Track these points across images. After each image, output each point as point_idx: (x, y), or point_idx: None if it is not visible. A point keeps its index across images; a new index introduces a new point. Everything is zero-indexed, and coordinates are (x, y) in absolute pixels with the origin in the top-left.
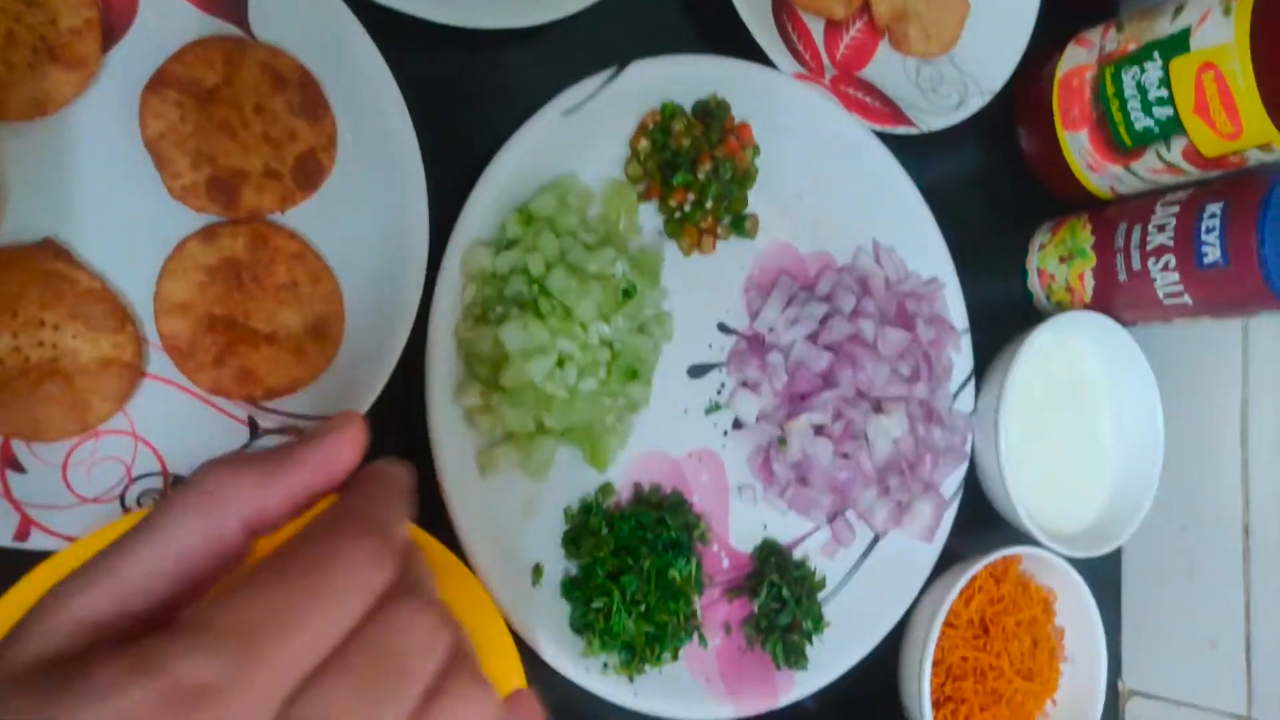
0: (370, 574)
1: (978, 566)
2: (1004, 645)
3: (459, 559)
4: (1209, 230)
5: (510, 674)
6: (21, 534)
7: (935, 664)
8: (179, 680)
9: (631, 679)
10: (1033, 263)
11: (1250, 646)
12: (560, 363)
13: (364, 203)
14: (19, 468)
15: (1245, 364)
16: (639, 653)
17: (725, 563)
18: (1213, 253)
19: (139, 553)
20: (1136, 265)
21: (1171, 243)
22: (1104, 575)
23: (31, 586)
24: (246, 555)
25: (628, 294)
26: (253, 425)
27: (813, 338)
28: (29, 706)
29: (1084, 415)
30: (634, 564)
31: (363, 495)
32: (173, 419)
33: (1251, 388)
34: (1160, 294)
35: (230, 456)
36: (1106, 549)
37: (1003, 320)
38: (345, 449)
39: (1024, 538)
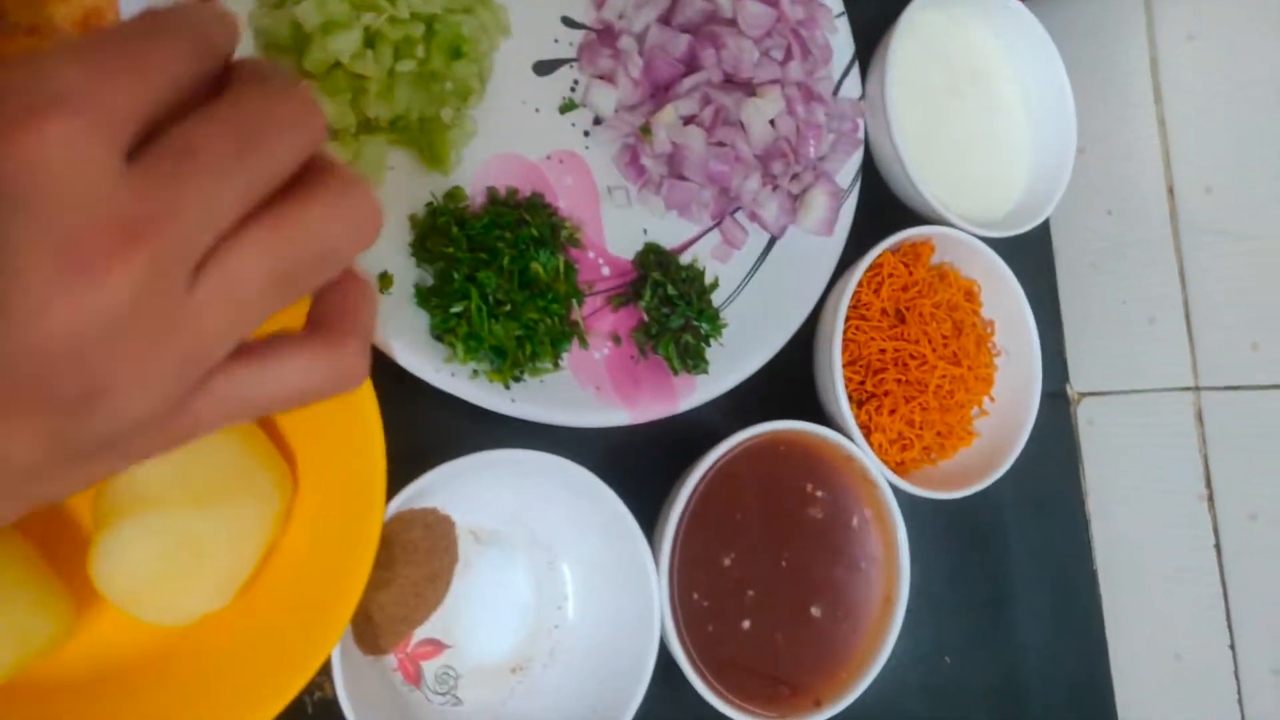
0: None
1: (881, 248)
2: (922, 329)
3: None
4: None
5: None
6: None
7: (852, 361)
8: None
9: (508, 385)
10: None
11: (1189, 312)
12: (371, 42)
13: None
14: None
15: (1149, 18)
16: (511, 356)
17: (605, 270)
18: None
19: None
20: None
21: None
22: (1038, 277)
23: None
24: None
25: None
26: None
27: (665, 20)
28: None
29: (988, 100)
30: (491, 261)
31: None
32: None
33: (1159, 44)
34: None
35: None
36: (1023, 229)
37: (889, 7)
38: None
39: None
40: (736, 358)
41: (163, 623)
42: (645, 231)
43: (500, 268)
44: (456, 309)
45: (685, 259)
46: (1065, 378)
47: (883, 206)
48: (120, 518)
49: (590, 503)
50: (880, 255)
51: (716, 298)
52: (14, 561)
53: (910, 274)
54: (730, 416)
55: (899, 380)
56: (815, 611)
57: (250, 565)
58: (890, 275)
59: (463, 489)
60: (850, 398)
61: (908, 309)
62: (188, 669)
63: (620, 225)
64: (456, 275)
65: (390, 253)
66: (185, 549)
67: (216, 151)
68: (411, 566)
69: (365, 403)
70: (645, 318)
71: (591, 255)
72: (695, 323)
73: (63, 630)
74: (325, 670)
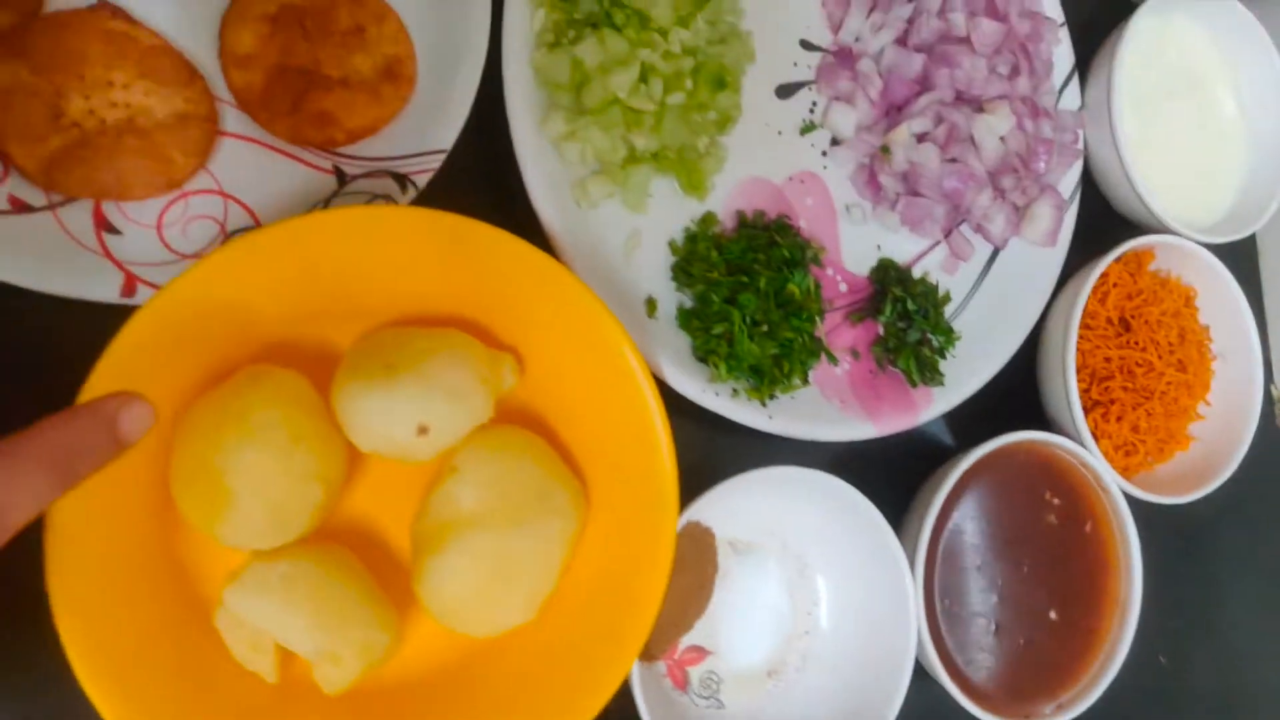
0: None
1: (1110, 258)
2: (1149, 337)
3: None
4: None
5: (645, 403)
6: (128, 290)
7: (1078, 369)
8: None
9: (764, 403)
10: None
11: None
12: (644, 77)
13: None
14: (112, 229)
15: None
16: (768, 374)
17: (842, 287)
18: None
19: None
20: None
21: None
22: (1241, 275)
23: (133, 333)
24: None
25: None
26: (339, 174)
27: (902, 41)
28: None
29: (1204, 102)
30: (750, 283)
31: None
32: (258, 174)
33: None
34: None
35: None
36: (1246, 232)
37: (1102, 15)
38: None
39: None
40: (966, 368)
41: (476, 635)
42: (879, 247)
43: (758, 289)
44: (718, 330)
45: (915, 273)
46: (1270, 376)
47: (1096, 215)
48: (446, 540)
49: (845, 514)
50: (1107, 265)
51: (945, 310)
52: (354, 582)
53: (1134, 282)
54: (950, 426)
55: (1125, 388)
56: (1053, 615)
57: (553, 581)
58: (1115, 284)
59: (723, 502)
60: None
61: (1134, 317)
62: (495, 678)
63: (856, 242)
64: (716, 297)
65: (653, 278)
66: (502, 567)
67: None
68: (680, 575)
69: (653, 422)
70: (882, 332)
71: (830, 272)
72: (930, 335)
73: (395, 642)
74: None
